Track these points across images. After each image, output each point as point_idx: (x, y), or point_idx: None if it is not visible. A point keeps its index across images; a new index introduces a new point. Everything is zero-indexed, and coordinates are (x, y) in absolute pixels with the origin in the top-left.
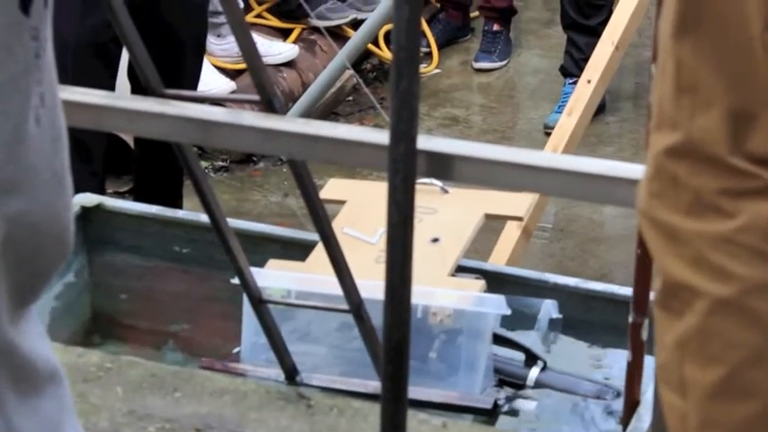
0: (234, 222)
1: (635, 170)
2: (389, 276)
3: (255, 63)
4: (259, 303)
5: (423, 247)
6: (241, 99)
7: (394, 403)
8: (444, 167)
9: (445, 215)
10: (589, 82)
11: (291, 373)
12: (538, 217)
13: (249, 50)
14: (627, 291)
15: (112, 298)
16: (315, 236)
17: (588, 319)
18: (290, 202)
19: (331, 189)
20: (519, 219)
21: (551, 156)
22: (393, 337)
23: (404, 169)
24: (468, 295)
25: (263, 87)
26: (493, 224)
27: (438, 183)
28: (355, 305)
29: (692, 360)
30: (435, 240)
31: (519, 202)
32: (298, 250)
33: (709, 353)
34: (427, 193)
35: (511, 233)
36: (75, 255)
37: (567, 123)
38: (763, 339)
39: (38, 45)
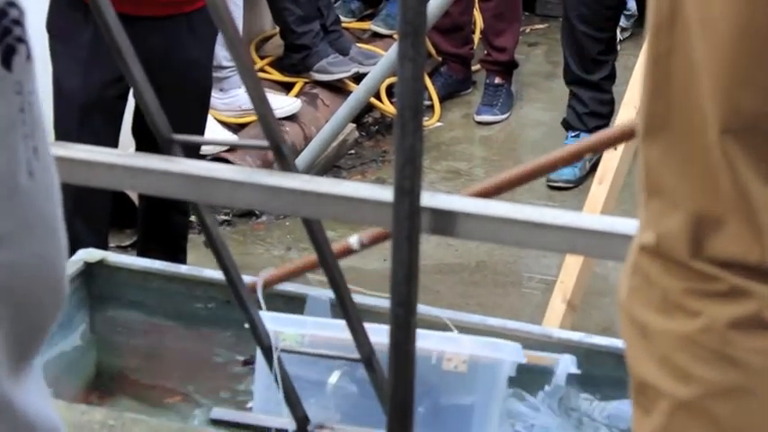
0: None
1: (636, 226)
2: (394, 334)
3: (263, 110)
4: (270, 351)
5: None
6: (249, 145)
7: None
8: (448, 224)
9: None
10: (615, 149)
11: (303, 423)
12: (580, 289)
13: (258, 97)
14: None
15: (116, 354)
16: (318, 291)
17: (592, 373)
18: (293, 256)
19: None
20: None
21: (554, 212)
22: (398, 395)
23: (408, 226)
24: (484, 341)
25: (272, 133)
26: (500, 278)
27: None
28: (367, 355)
29: None
30: None
31: None
32: (301, 305)
33: None
34: None
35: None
36: (78, 310)
37: (598, 192)
38: None
39: (22, 99)
